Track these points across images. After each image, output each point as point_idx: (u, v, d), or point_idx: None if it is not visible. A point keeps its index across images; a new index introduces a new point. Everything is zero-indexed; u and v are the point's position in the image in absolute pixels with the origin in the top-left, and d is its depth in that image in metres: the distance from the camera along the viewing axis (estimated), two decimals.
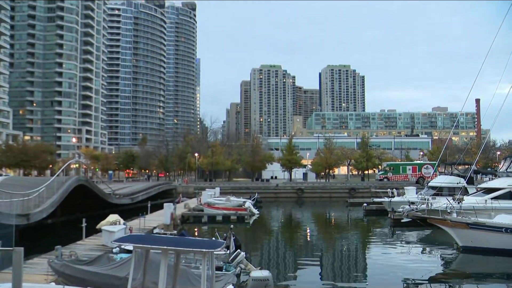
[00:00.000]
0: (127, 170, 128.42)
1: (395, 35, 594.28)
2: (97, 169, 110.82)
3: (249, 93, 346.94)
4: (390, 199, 48.34)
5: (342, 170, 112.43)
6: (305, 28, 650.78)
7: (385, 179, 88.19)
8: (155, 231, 31.65)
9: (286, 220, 55.93)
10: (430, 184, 47.20)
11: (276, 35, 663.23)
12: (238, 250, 22.09)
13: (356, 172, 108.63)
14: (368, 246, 35.19)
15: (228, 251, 21.63)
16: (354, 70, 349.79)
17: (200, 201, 54.03)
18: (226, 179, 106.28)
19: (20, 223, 28.05)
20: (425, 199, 36.94)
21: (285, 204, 73.66)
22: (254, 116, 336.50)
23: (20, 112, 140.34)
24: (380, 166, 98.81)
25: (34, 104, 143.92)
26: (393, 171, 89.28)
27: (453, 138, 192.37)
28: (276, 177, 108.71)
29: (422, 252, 31.64)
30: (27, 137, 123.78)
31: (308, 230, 46.04)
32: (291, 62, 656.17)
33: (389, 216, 44.60)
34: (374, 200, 53.67)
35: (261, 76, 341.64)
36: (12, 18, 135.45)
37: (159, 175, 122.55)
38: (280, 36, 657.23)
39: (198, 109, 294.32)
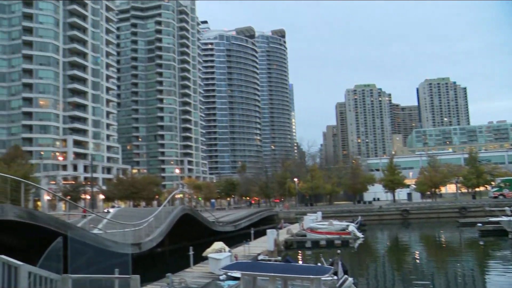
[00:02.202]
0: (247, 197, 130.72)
1: (491, 42, 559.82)
2: (200, 198, 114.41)
3: (345, 115, 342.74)
4: (509, 218, 44.35)
5: (450, 188, 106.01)
6: (396, 44, 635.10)
7: (500, 196, 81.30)
8: (259, 257, 31.53)
9: (393, 243, 53.42)
10: None
11: (367, 54, 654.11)
12: (346, 276, 21.25)
13: (466, 190, 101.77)
14: (486, 270, 32.24)
15: (335, 277, 20.80)
16: (454, 82, 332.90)
17: (302, 226, 53.32)
18: (327, 203, 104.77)
19: (133, 252, 29.31)
20: None
21: (390, 227, 70.68)
22: (352, 137, 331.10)
23: (128, 147, 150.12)
24: (493, 183, 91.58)
25: (140, 139, 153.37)
26: (510, 187, 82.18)
27: None
28: (378, 199, 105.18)
29: None
30: (134, 170, 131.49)
31: (416, 253, 43.50)
32: (385, 79, 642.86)
33: (509, 236, 40.78)
34: (490, 219, 49.64)
35: (355, 97, 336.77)
36: (118, 62, 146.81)
37: (275, 200, 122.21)
38: (372, 54, 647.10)
39: (294, 134, 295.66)
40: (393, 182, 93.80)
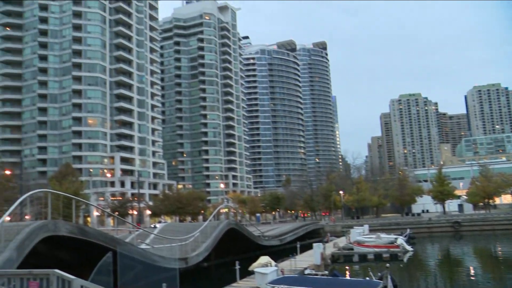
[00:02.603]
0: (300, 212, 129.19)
1: None
2: (245, 213, 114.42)
3: (390, 125, 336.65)
4: None
5: (505, 199, 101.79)
6: (441, 51, 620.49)
7: None
8: (306, 271, 31.08)
9: (444, 256, 51.51)
10: None
11: (411, 63, 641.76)
12: None
13: None
14: None
15: None
16: (506, 88, 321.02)
17: (349, 239, 52.34)
18: (374, 216, 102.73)
19: (180, 266, 29.53)
20: None
21: (440, 239, 68.39)
22: (397, 148, 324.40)
23: (173, 163, 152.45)
24: None
25: (184, 155, 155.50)
26: None
27: None
28: (427, 211, 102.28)
29: None
30: (180, 186, 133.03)
31: (471, 268, 41.69)
32: (431, 88, 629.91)
33: None
34: None
35: (400, 107, 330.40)
36: (162, 79, 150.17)
37: (324, 213, 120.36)
38: (416, 63, 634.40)
39: (338, 146, 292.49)
40: (442, 193, 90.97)
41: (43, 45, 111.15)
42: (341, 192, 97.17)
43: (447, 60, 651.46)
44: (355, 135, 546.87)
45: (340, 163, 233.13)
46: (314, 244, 36.47)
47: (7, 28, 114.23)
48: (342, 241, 53.05)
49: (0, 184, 53.62)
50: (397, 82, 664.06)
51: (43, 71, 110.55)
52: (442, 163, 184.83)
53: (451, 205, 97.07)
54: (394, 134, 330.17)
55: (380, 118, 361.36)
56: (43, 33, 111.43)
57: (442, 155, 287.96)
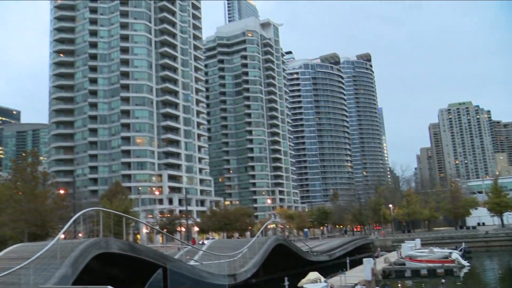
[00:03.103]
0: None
1: None
2: (292, 228, 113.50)
3: (439, 136, 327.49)
4: None
5: None
6: (491, 57, 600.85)
7: None
8: (357, 287, 30.34)
9: (505, 272, 48.99)
10: None
11: (460, 71, 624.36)
12: None
13: None
14: None
15: None
16: None
17: (400, 254, 50.88)
18: (426, 229, 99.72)
19: (229, 283, 29.47)
20: None
21: (500, 254, 65.29)
22: (448, 159, 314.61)
23: (220, 179, 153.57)
24: None
25: (231, 171, 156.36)
26: None
27: None
28: (483, 224, 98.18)
29: None
30: (227, 202, 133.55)
31: None
32: (482, 96, 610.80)
33: None
34: None
35: (450, 116, 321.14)
36: (207, 97, 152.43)
37: (376, 227, 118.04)
38: (465, 71, 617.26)
39: (386, 158, 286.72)
40: (499, 205, 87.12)
41: (93, 69, 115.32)
42: (390, 205, 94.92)
43: (498, 66, 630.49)
44: (403, 147, 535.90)
45: (389, 176, 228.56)
46: (365, 259, 35.60)
47: (61, 55, 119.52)
48: (393, 256, 51.62)
49: (55, 203, 55.42)
50: (446, 91, 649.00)
51: (93, 93, 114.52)
52: (497, 173, 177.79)
53: (510, 218, 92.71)
54: (444, 144, 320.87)
55: (429, 129, 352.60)
56: (93, 57, 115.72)
57: (498, 165, 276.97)
